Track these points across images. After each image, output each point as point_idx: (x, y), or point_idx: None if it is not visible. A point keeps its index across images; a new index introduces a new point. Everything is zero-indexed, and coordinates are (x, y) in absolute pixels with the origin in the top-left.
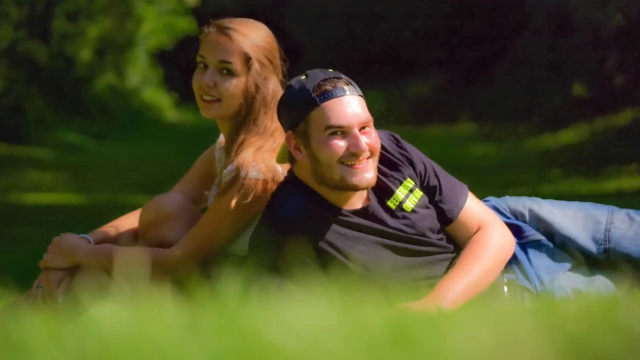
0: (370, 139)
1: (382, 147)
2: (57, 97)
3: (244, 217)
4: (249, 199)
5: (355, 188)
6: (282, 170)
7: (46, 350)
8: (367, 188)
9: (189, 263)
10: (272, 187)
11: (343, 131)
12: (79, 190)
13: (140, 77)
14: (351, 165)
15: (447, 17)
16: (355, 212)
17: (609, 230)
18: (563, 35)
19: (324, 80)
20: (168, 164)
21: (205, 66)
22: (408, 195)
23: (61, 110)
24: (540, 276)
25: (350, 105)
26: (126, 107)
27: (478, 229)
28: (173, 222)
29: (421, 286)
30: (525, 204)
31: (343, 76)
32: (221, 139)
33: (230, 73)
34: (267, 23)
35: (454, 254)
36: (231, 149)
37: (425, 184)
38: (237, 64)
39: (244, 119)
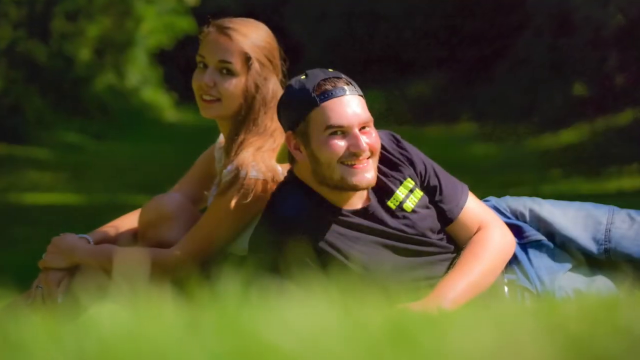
0: (371, 138)
1: (383, 147)
2: (57, 96)
3: (243, 217)
4: (249, 199)
5: (356, 188)
6: (282, 170)
7: (45, 350)
8: (367, 188)
9: (188, 263)
10: (272, 187)
11: (343, 131)
12: (79, 190)
13: (140, 77)
14: (351, 165)
15: (448, 16)
16: (356, 212)
17: (610, 231)
18: (564, 35)
19: (324, 80)
20: (168, 164)
21: (205, 66)
22: (408, 195)
23: (60, 110)
24: (541, 276)
25: (350, 105)
26: (126, 107)
27: (478, 229)
28: (172, 222)
29: (421, 286)
30: (525, 204)
31: (343, 76)
32: (221, 138)
33: (230, 73)
34: (267, 23)
35: (454, 254)
36: (231, 148)
37: (425, 184)
38: (237, 64)
39: (243, 119)
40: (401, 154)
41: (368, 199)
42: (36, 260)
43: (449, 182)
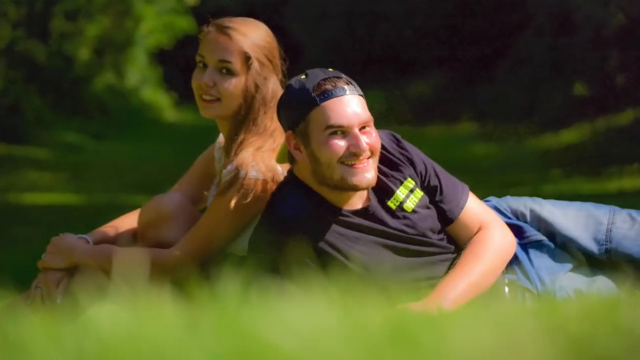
0: (371, 138)
1: (383, 147)
2: (56, 96)
3: (243, 217)
4: (249, 199)
5: (356, 188)
6: (282, 170)
7: (45, 351)
8: (367, 188)
9: (188, 263)
10: (271, 187)
11: (343, 131)
12: (78, 190)
13: (140, 77)
14: (351, 165)
15: (448, 16)
16: (356, 213)
17: (611, 231)
18: (564, 34)
19: (324, 79)
20: (167, 163)
21: (205, 65)
22: (408, 196)
23: (60, 109)
24: (542, 276)
25: (350, 105)
26: (125, 106)
27: (479, 229)
28: (172, 223)
29: (422, 287)
30: (526, 204)
31: (343, 75)
32: (220, 138)
33: (230, 72)
34: (267, 22)
35: (454, 255)
36: (231, 148)
37: (425, 184)
38: (236, 64)
39: (243, 119)
40: (401, 153)
41: (368, 199)
42: (35, 261)
43: (450, 182)
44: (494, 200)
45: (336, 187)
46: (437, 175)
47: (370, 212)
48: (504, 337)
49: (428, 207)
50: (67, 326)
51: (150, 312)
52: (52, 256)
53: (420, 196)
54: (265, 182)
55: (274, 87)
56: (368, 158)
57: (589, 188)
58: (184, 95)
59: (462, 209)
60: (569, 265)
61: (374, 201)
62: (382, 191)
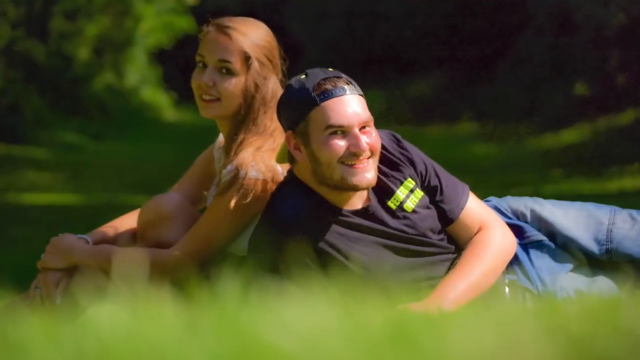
0: (371, 138)
1: (383, 147)
2: (55, 96)
3: (243, 217)
4: (249, 199)
5: (356, 188)
6: (282, 170)
7: (44, 351)
8: (367, 188)
9: (187, 264)
10: (271, 187)
11: (343, 131)
12: (78, 190)
13: (139, 77)
14: (351, 165)
15: (448, 15)
16: (356, 213)
17: (611, 231)
18: (565, 34)
19: (324, 79)
20: (167, 163)
21: (205, 65)
22: (409, 196)
23: (59, 109)
24: (542, 277)
25: (350, 105)
26: (125, 106)
27: (479, 230)
28: (172, 223)
29: (422, 287)
30: (526, 204)
31: (343, 75)
32: (220, 138)
33: (230, 72)
34: (267, 22)
35: (455, 255)
36: (230, 148)
37: (426, 184)
38: (236, 63)
39: (243, 119)
40: (402, 153)
41: (368, 199)
42: (35, 261)
43: (450, 182)
44: (494, 200)
45: (336, 187)
46: (437, 175)
47: (370, 212)
48: (505, 337)
49: (428, 207)
50: (67, 326)
51: (149, 312)
52: (52, 256)
53: (420, 196)
54: (265, 182)
55: (273, 87)
56: (368, 158)
57: (590, 188)
58: (184, 95)
59: (463, 209)
60: (570, 266)
61: (374, 201)
62: (382, 191)
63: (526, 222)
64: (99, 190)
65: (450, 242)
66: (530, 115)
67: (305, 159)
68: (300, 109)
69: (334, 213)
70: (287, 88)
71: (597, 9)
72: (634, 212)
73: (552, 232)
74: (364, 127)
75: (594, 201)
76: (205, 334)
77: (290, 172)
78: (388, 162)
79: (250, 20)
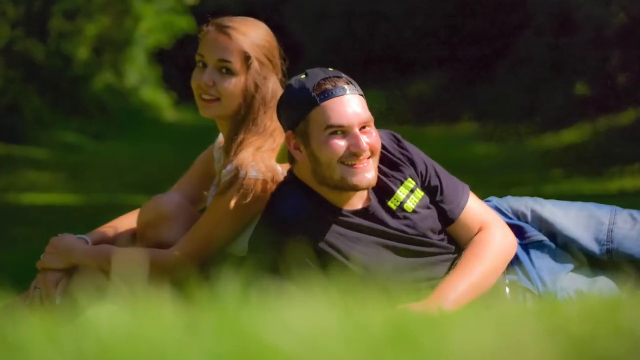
0: (371, 138)
1: (383, 147)
2: (55, 96)
3: (243, 217)
4: (248, 199)
5: (356, 188)
6: (282, 170)
7: (43, 351)
8: (367, 188)
9: (187, 264)
10: (271, 187)
11: (343, 131)
12: (77, 190)
13: (139, 76)
14: (351, 165)
15: (448, 15)
16: (356, 213)
17: (612, 231)
18: (565, 34)
19: (324, 79)
20: (167, 163)
21: (204, 65)
22: (409, 196)
23: (59, 109)
24: (543, 277)
25: (350, 105)
26: (124, 106)
27: (480, 230)
28: (171, 223)
29: (422, 287)
30: (527, 204)
31: (343, 75)
32: (220, 138)
33: (230, 72)
34: (267, 22)
35: (455, 255)
36: (230, 148)
37: (426, 184)
38: (236, 63)
39: (243, 119)
40: (402, 153)
41: (368, 199)
42: (34, 261)
43: (450, 182)
44: (494, 200)
45: (336, 187)
46: (437, 175)
47: (370, 212)
48: (505, 337)
49: (428, 207)
50: (66, 327)
51: (149, 312)
52: (51, 256)
53: (420, 196)
54: (265, 182)
55: (273, 87)
56: (368, 158)
57: (590, 188)
58: (184, 95)
59: (463, 209)
60: (570, 266)
61: (374, 201)
62: (383, 191)
63: (527, 222)
64: (99, 190)
65: (450, 242)
66: (531, 115)
67: (305, 159)
68: (300, 109)
69: (334, 213)
70: (287, 88)
71: (598, 8)
72: (634, 212)
73: (552, 232)
74: (364, 127)
75: (595, 201)
76: (205, 334)
77: (290, 172)
78: (388, 162)
79: (250, 20)
